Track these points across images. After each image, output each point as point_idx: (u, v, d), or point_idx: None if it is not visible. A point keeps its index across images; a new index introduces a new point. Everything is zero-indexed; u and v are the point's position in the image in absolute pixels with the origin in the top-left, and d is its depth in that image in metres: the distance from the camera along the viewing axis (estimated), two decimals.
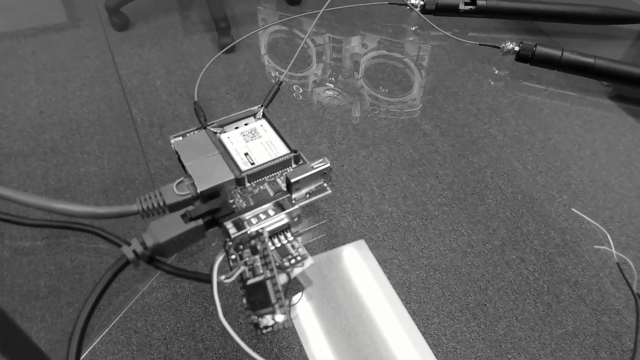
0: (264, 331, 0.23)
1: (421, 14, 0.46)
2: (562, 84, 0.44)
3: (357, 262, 0.31)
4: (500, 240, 0.31)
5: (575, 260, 0.30)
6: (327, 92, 0.41)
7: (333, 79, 0.43)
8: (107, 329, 0.27)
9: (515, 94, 0.42)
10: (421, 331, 0.27)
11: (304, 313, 0.28)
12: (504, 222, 0.32)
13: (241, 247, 0.25)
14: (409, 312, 0.28)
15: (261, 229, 0.26)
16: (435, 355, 0.26)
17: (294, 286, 0.28)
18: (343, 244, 0.31)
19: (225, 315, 0.22)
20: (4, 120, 0.39)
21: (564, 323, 0.28)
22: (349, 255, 0.31)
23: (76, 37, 0.48)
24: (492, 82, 0.43)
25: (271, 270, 0.24)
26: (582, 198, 0.34)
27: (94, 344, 0.27)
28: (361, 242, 0.31)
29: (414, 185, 0.35)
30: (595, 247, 0.31)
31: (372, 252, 0.31)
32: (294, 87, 0.42)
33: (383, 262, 0.30)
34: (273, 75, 0.44)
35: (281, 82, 0.36)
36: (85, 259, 0.30)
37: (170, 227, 0.26)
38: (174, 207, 0.27)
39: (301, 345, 0.27)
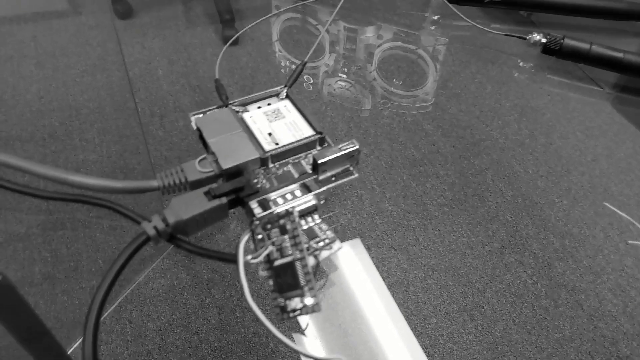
0: (291, 315, 0.22)
1: (446, 1, 0.46)
2: (564, 89, 0.44)
3: (351, 260, 0.30)
4: (499, 243, 0.31)
5: (574, 266, 0.30)
6: (339, 82, 0.41)
7: (346, 69, 0.42)
8: (102, 318, 0.27)
9: (517, 99, 0.42)
10: (418, 331, 0.27)
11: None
12: (504, 224, 0.32)
13: (269, 226, 0.24)
14: (406, 311, 0.28)
15: (291, 207, 0.25)
16: (432, 355, 0.26)
17: (317, 271, 0.28)
18: (341, 241, 0.31)
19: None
20: (2, 105, 0.39)
21: (560, 328, 0.28)
22: (344, 254, 0.31)
23: (78, 24, 0.48)
24: (516, 74, 0.43)
25: (301, 251, 0.23)
26: (581, 204, 0.34)
27: None
28: (357, 241, 0.31)
29: (414, 185, 0.35)
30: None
31: (370, 251, 0.31)
32: (305, 77, 0.42)
33: (382, 261, 0.30)
34: (283, 64, 0.43)
35: (305, 63, 0.35)
36: (82, 247, 0.30)
37: (193, 204, 0.25)
38: (195, 185, 0.26)
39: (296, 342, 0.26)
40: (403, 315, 0.28)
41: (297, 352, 0.22)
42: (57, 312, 0.27)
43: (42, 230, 0.30)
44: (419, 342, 0.27)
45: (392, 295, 0.29)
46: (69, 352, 0.25)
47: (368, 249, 0.31)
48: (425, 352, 0.26)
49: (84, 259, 0.29)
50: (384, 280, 0.29)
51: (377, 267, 0.30)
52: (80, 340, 0.26)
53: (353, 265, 0.30)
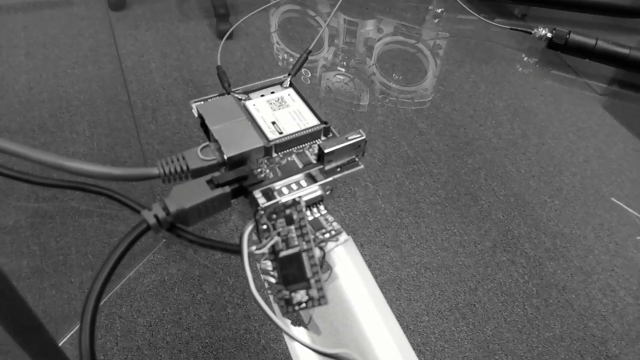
0: (296, 308, 0.22)
1: None
2: (557, 90, 0.44)
3: (343, 258, 0.30)
4: (491, 242, 0.31)
5: (565, 265, 0.31)
6: (337, 76, 0.40)
7: (345, 63, 0.42)
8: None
9: (511, 99, 0.42)
10: (410, 329, 0.27)
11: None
12: (496, 223, 0.32)
13: (274, 216, 0.23)
14: (397, 309, 0.28)
15: (298, 197, 0.24)
16: (423, 353, 0.26)
17: (324, 263, 0.27)
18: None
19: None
20: None
21: (551, 327, 0.28)
22: (334, 252, 0.30)
23: (70, 14, 0.47)
24: (520, 69, 0.43)
25: (307, 242, 0.22)
26: (573, 204, 0.34)
27: (77, 327, 0.26)
28: (348, 238, 0.31)
29: (408, 183, 0.35)
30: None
31: (362, 248, 0.30)
32: (303, 70, 0.41)
33: (374, 258, 0.30)
34: (281, 57, 0.43)
35: (310, 51, 0.35)
36: (71, 240, 0.29)
37: (195, 192, 0.24)
38: (197, 173, 0.26)
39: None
40: (394, 313, 0.28)
41: (307, 347, 0.22)
42: (46, 306, 0.27)
43: (31, 223, 0.30)
44: (410, 340, 0.27)
45: (384, 293, 0.29)
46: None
47: (360, 246, 0.31)
48: (416, 350, 0.26)
49: (73, 252, 0.29)
50: (376, 277, 0.29)
51: (369, 265, 0.30)
52: (69, 335, 0.26)
53: (344, 262, 0.30)
